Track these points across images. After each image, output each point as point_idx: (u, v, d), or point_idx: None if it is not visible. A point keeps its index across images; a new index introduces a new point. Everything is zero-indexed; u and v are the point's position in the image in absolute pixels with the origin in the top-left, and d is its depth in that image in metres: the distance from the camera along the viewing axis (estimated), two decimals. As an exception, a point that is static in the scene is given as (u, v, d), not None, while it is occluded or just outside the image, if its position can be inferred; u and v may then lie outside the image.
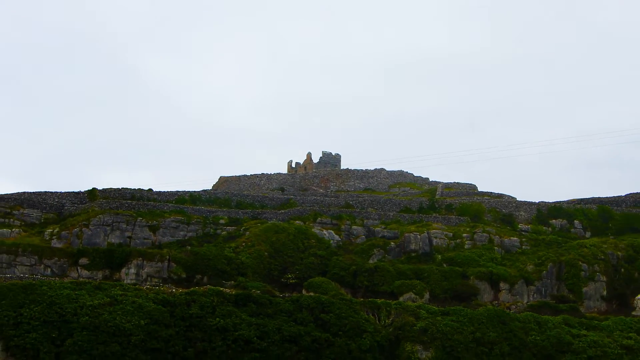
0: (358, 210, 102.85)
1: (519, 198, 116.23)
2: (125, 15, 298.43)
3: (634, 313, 79.34)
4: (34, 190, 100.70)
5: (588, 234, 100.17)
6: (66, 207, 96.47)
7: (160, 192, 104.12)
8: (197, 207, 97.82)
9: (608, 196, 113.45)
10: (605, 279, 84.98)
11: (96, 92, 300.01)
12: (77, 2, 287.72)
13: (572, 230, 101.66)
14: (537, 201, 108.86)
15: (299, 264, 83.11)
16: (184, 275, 76.96)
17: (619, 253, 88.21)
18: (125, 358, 57.51)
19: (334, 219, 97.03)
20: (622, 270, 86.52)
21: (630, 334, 68.59)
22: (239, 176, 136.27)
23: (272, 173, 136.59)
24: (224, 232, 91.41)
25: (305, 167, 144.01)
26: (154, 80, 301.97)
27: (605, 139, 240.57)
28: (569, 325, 69.64)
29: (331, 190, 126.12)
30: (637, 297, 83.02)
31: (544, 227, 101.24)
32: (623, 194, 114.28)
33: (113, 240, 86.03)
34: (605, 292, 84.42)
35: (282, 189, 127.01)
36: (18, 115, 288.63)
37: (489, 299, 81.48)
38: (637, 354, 65.88)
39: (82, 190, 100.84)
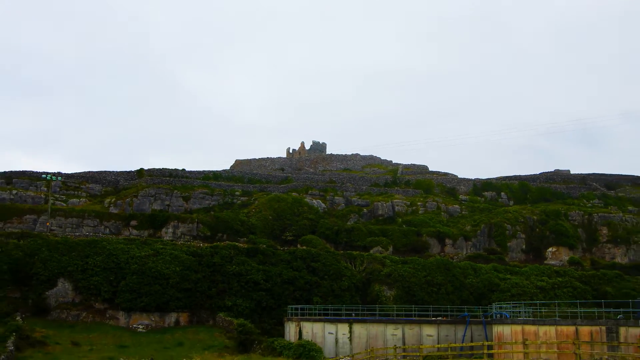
0: (339, 184, 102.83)
1: (460, 176, 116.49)
2: (168, 39, 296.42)
3: (545, 262, 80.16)
4: (97, 170, 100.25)
5: (511, 203, 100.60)
6: (120, 183, 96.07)
7: (191, 171, 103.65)
8: (219, 183, 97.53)
9: (527, 174, 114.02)
10: (524, 236, 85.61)
11: (145, 95, 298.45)
12: (134, 30, 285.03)
13: (500, 200, 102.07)
14: (473, 178, 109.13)
15: (295, 225, 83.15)
16: (208, 234, 76.93)
17: (534, 217, 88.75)
18: (165, 295, 57.78)
19: (321, 191, 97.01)
20: (537, 229, 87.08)
21: (543, 278, 69.36)
22: (250, 159, 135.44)
23: (275, 157, 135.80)
24: (238, 201, 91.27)
25: (300, 153, 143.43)
26: (189, 86, 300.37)
27: (525, 130, 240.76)
28: (497, 271, 70.39)
29: (319, 170, 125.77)
30: (548, 250, 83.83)
31: (479, 198, 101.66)
32: (538, 173, 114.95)
33: (156, 207, 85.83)
34: (524, 246, 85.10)
35: (282, 169, 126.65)
36: (86, 112, 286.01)
37: (437, 251, 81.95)
38: (548, 292, 66.62)
39: (133, 170, 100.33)
